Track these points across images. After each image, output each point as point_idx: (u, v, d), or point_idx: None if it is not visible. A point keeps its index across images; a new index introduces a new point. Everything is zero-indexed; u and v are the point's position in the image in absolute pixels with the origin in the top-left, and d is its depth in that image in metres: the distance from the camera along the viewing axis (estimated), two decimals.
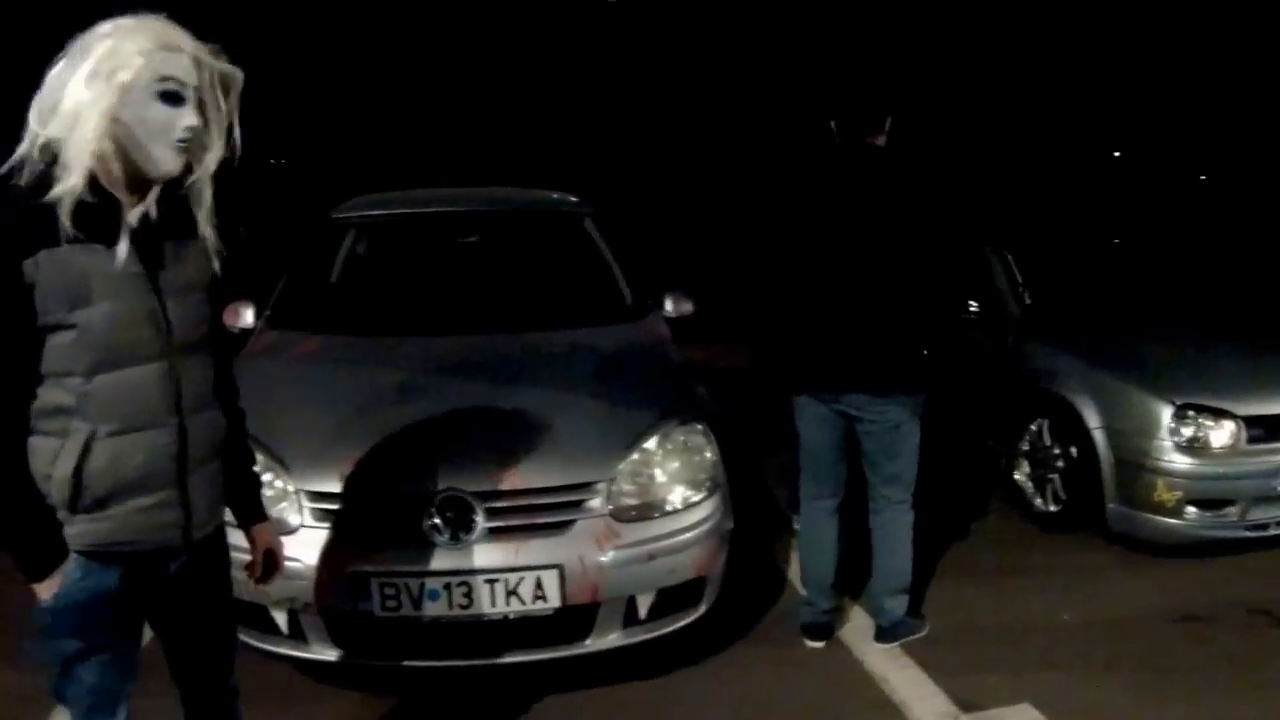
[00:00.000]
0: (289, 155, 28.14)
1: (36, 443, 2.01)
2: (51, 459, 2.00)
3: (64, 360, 1.98)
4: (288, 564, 3.42)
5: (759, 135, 21.91)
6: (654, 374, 4.26)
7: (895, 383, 3.79)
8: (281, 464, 3.54)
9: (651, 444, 3.66)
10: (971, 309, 5.96)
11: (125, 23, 1.98)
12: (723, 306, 6.13)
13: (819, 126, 3.95)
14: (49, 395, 2.00)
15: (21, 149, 1.95)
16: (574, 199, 5.81)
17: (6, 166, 1.95)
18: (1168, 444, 4.85)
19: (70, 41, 1.96)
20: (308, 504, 3.47)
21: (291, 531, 3.44)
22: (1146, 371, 5.14)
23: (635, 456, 3.61)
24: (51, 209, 1.91)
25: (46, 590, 2.05)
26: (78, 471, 1.99)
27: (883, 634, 4.11)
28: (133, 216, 2.02)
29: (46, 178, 1.92)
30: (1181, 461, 4.83)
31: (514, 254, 5.48)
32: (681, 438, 3.74)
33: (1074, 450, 5.22)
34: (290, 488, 3.50)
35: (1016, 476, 5.66)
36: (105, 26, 1.97)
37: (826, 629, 4.16)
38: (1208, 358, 5.36)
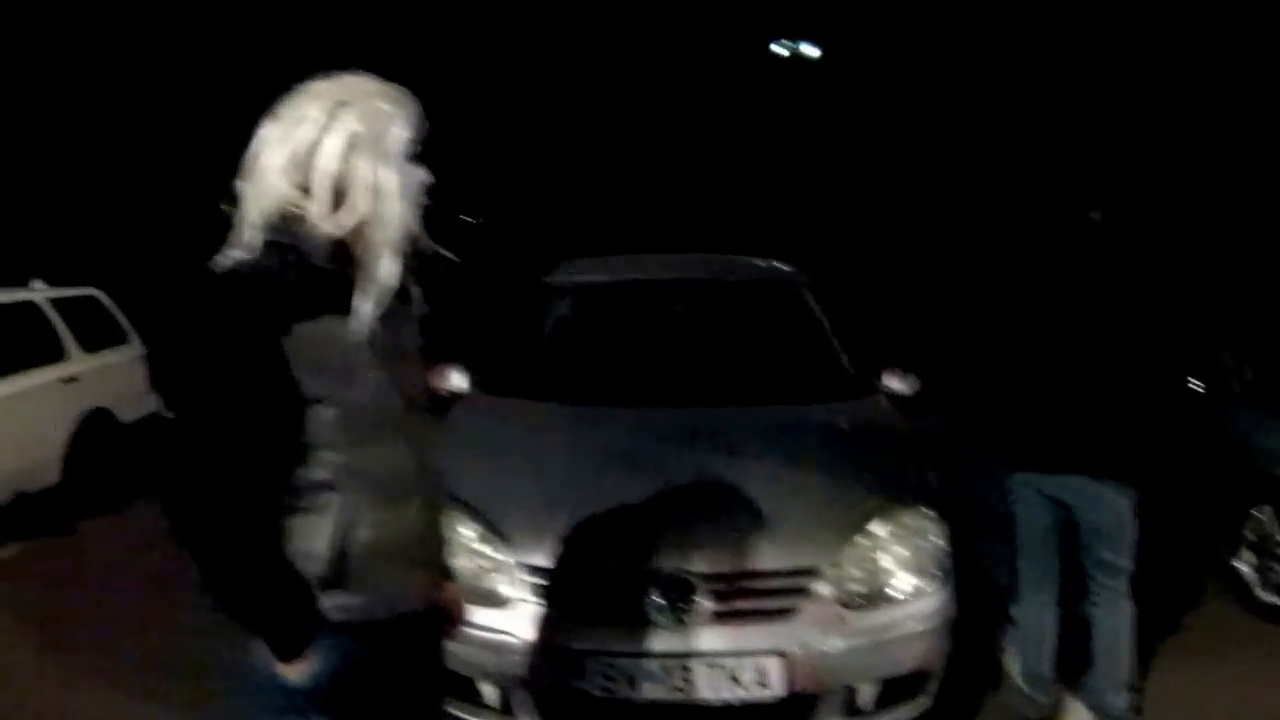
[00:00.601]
0: (486, 213, 28.57)
1: (296, 520, 1.96)
2: (312, 535, 1.95)
3: (326, 434, 1.93)
4: (499, 637, 3.39)
5: (977, 203, 21.45)
6: (880, 453, 4.11)
7: (1116, 466, 3.64)
8: (498, 534, 3.50)
9: (878, 528, 3.53)
10: (1193, 386, 5.65)
11: (358, 82, 1.96)
12: (944, 380, 5.94)
13: (1037, 199, 3.84)
14: (309, 471, 1.94)
15: (261, 218, 1.90)
16: (791, 269, 5.68)
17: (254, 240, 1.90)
18: None
19: (287, 106, 1.93)
20: (523, 577, 3.43)
21: (505, 604, 3.40)
22: None
23: (862, 541, 3.48)
24: (335, 282, 1.90)
25: (301, 669, 1.98)
26: (341, 545, 1.95)
27: None
28: (387, 283, 1.95)
29: (293, 249, 1.89)
30: None
31: (731, 324, 5.36)
32: (909, 522, 3.59)
33: None
34: (507, 559, 3.46)
35: (1237, 564, 5.31)
36: (336, 89, 1.93)
37: None
38: None
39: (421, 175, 1.97)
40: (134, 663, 4.64)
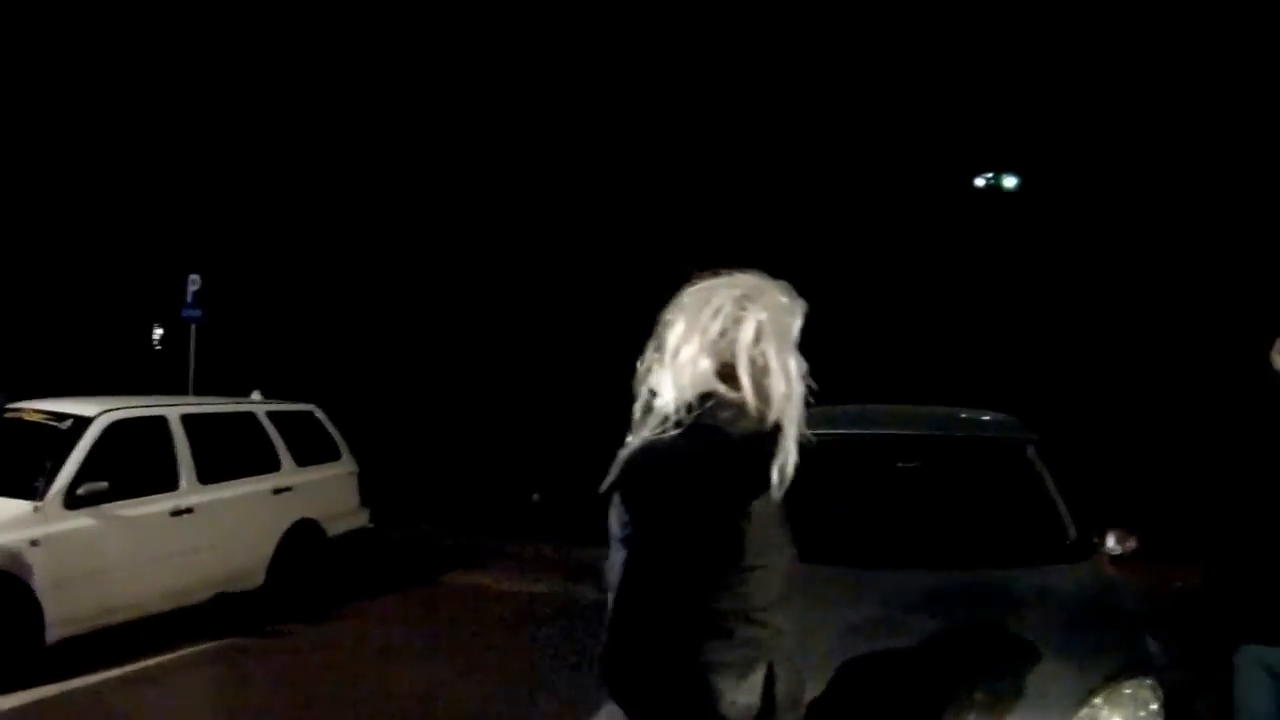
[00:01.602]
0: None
1: (717, 678, 2.02)
2: (742, 688, 2.02)
3: (760, 596, 2.06)
4: None
5: (1192, 354, 20.44)
6: (1102, 622, 3.97)
7: None
8: None
9: (1100, 700, 3.41)
10: None
11: (750, 280, 2.15)
12: (1166, 537, 5.60)
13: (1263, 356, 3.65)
14: (742, 630, 2.05)
15: (688, 397, 2.06)
16: (1016, 423, 5.51)
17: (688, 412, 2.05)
18: None
19: (693, 300, 2.12)
20: None
21: None
22: None
23: (1084, 712, 3.37)
24: (762, 456, 2.05)
25: None
26: (771, 697, 2.04)
27: None
28: (795, 458, 2.11)
29: (715, 429, 2.03)
30: None
31: (954, 482, 5.23)
32: (1130, 693, 3.46)
33: None
34: None
35: None
36: (738, 284, 2.13)
37: None
38: None
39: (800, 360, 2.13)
40: None
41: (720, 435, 2.02)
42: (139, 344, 21.81)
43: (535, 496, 13.65)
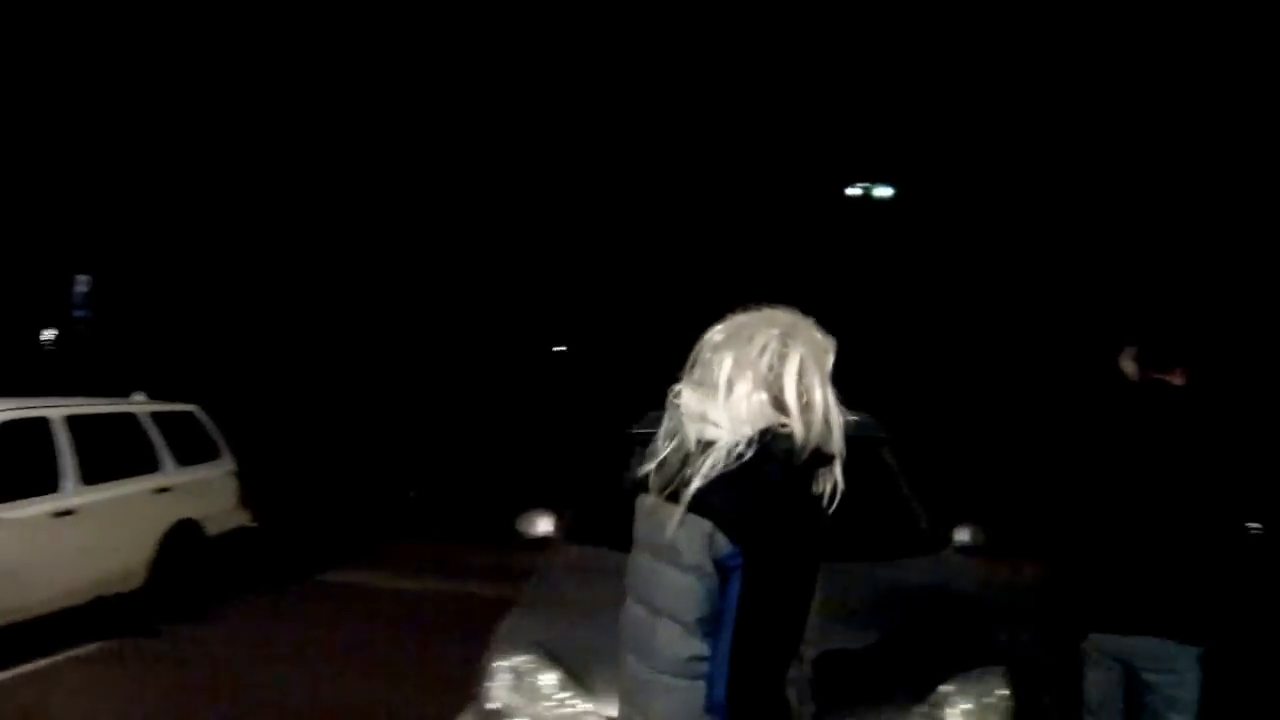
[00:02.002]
0: (574, 341, 29.03)
1: (790, 693, 2.31)
2: (799, 708, 2.34)
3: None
4: None
5: (1046, 358, 21.33)
6: (951, 612, 4.13)
7: (1184, 625, 3.61)
8: (581, 684, 3.55)
9: (950, 688, 3.55)
10: (1254, 529, 5.59)
11: (785, 317, 2.32)
12: (1015, 531, 5.95)
13: (1113, 360, 3.88)
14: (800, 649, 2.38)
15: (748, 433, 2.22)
16: (872, 423, 5.68)
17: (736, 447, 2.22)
18: None
19: (736, 336, 2.27)
20: None
21: None
22: None
23: (934, 699, 3.50)
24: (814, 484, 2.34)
25: None
26: None
27: None
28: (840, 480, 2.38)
29: (772, 457, 2.22)
30: None
31: None
32: (980, 680, 3.61)
33: None
34: (588, 708, 3.51)
35: None
36: (778, 321, 2.30)
37: None
38: None
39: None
40: None
41: (789, 467, 2.22)
42: (27, 346, 21.05)
43: (412, 493, 13.78)
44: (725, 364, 2.23)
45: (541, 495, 5.31)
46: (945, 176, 24.96)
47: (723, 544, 2.17)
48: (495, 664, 3.78)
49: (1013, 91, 24.20)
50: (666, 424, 2.33)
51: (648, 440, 5.65)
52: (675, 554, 2.20)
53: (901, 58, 24.74)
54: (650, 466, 2.34)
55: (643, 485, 2.38)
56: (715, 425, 2.22)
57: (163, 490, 7.71)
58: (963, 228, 25.07)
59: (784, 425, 2.21)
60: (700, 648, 2.19)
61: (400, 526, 11.65)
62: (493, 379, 23.75)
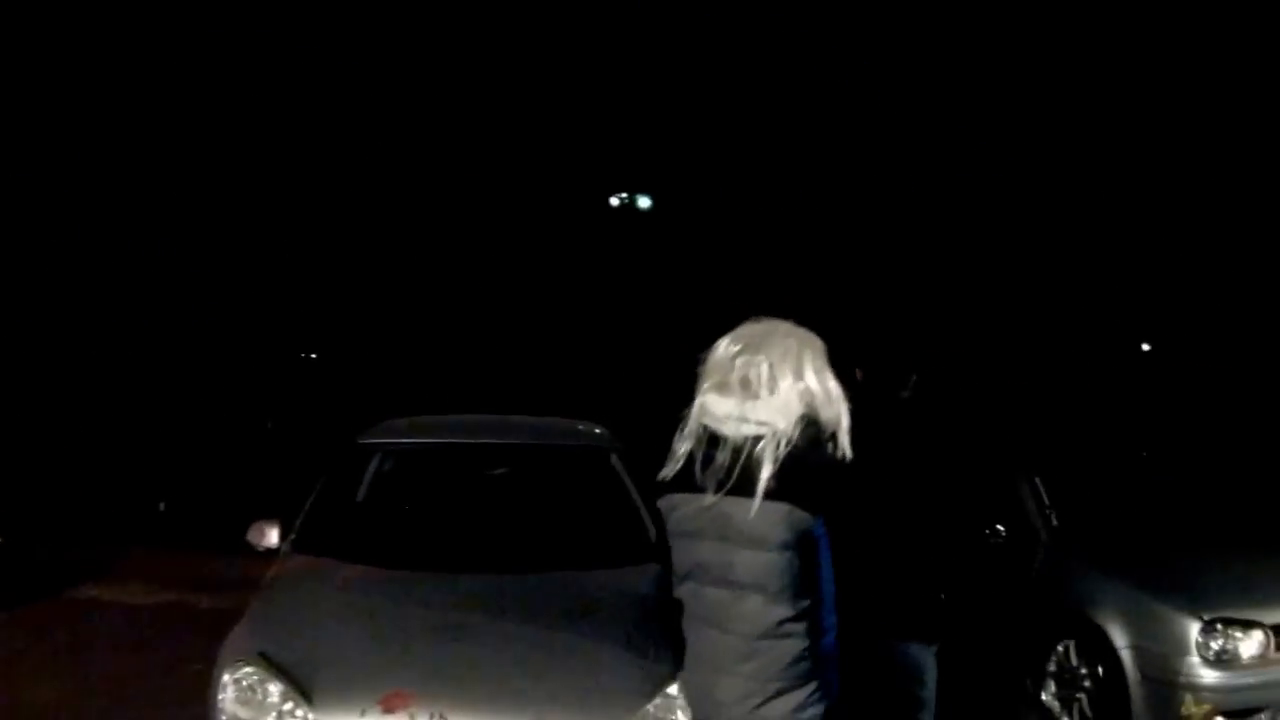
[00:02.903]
0: (321, 349, 28.32)
1: None
2: None
3: None
4: None
5: None
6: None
7: (917, 626, 3.78)
8: (303, 694, 3.47)
9: (674, 689, 3.50)
10: (999, 532, 5.99)
11: (781, 324, 2.76)
12: None
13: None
14: None
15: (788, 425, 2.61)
16: (601, 432, 5.75)
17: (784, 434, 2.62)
18: (1196, 659, 4.81)
19: (766, 343, 2.69)
20: None
21: None
22: (1172, 588, 5.15)
23: (658, 702, 3.51)
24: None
25: None
26: None
27: None
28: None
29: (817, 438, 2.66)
30: (1210, 675, 4.80)
31: (541, 489, 5.49)
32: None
33: (1100, 669, 5.17)
34: (311, 719, 3.42)
35: (1044, 697, 5.58)
36: (790, 338, 2.73)
37: None
38: (1234, 567, 5.38)
39: None
40: None
41: (826, 443, 2.65)
42: None
43: (161, 505, 13.17)
44: (763, 368, 2.64)
45: (284, 504, 5.13)
46: (699, 186, 25.83)
47: (803, 519, 2.57)
48: (222, 676, 3.66)
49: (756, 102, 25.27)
50: (688, 428, 2.71)
51: (377, 450, 5.59)
52: (757, 538, 2.58)
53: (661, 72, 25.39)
54: (676, 468, 2.71)
55: (678, 485, 2.72)
56: (758, 422, 2.61)
57: None
58: (715, 234, 25.99)
59: (812, 411, 2.63)
60: (786, 612, 2.58)
61: (149, 537, 11.04)
62: (242, 385, 22.98)
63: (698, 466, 2.64)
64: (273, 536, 4.79)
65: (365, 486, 5.50)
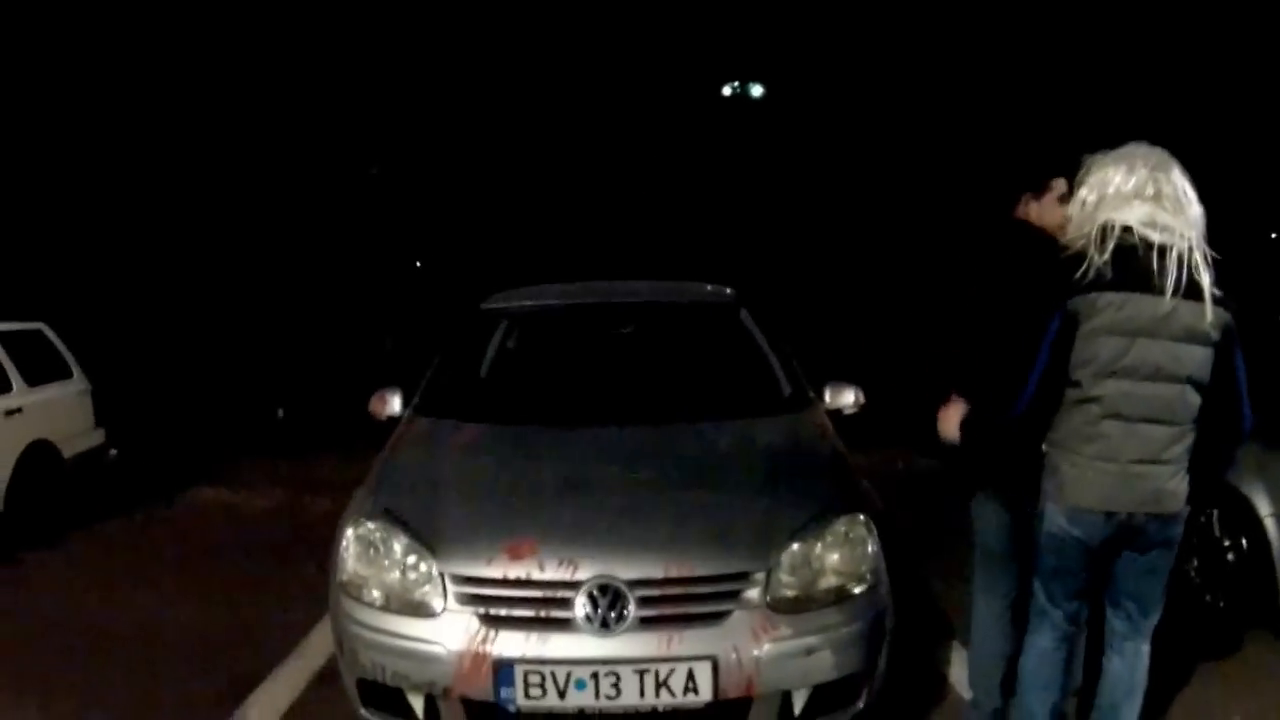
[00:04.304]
0: (432, 258, 28.86)
1: None
2: None
3: None
4: (427, 648, 3.36)
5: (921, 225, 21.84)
6: (815, 465, 4.08)
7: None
8: (427, 546, 3.48)
9: (812, 535, 3.51)
10: None
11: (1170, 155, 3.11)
12: (892, 404, 5.84)
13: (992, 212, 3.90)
14: None
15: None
16: (728, 291, 5.64)
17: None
18: None
19: (1175, 170, 3.06)
20: (453, 588, 3.41)
21: (435, 615, 3.37)
22: None
23: (795, 547, 3.46)
24: None
25: None
26: None
27: None
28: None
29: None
30: None
31: (668, 346, 5.39)
32: (843, 529, 3.57)
33: (1244, 541, 4.94)
34: (435, 570, 3.43)
35: (1188, 570, 5.34)
36: (1173, 158, 3.10)
37: None
38: None
39: None
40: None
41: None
42: None
43: (280, 412, 13.51)
44: (1176, 179, 3.03)
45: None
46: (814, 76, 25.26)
47: (1229, 319, 3.02)
48: (345, 532, 3.70)
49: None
50: (1102, 240, 2.98)
51: (500, 316, 5.66)
52: (1201, 336, 2.98)
53: None
54: (1107, 272, 2.95)
55: (1115, 286, 2.95)
56: (1175, 232, 2.97)
57: (13, 412, 7.35)
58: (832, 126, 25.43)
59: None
60: (1200, 402, 3.06)
61: (266, 445, 11.33)
62: (359, 294, 23.54)
63: (1153, 270, 2.94)
64: (395, 404, 4.80)
65: (490, 353, 5.47)
